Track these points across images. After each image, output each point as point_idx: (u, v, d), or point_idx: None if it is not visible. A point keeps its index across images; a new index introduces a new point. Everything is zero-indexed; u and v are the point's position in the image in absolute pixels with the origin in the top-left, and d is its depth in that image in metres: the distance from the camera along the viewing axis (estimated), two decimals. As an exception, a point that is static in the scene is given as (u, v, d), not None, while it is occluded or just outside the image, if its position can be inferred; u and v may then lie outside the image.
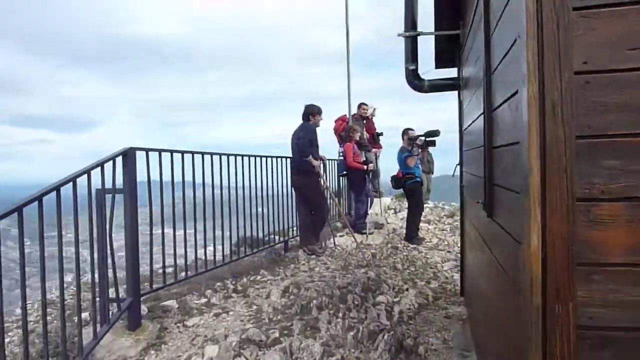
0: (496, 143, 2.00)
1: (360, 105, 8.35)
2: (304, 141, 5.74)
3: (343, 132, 7.82)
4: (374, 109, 8.81)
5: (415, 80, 4.25)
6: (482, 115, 2.24)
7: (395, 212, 10.39)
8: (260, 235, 5.71)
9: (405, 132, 7.27)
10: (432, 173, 14.51)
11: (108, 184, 3.02)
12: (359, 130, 7.48)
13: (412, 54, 4.22)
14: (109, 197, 3.03)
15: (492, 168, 2.12)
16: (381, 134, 8.96)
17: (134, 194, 3.30)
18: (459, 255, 7.05)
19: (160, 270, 4.00)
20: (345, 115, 8.23)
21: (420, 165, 7.29)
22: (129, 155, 3.27)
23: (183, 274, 4.12)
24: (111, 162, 3.08)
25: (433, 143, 7.00)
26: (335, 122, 8.16)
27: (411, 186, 7.16)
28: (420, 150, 7.09)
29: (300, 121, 6.07)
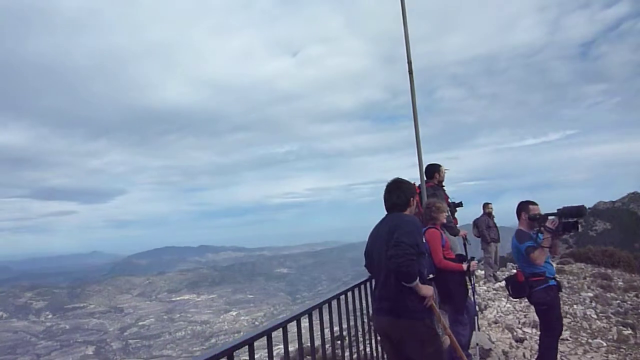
0: None
1: (436, 168, 5.69)
2: (408, 252, 2.78)
3: (417, 209, 5.24)
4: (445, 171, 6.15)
5: None
6: None
7: (481, 311, 7.49)
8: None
9: (524, 207, 4.50)
10: (499, 241, 11.63)
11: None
12: (445, 208, 4.84)
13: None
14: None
15: None
16: (460, 204, 6.17)
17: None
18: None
19: None
20: (415, 183, 5.62)
21: (552, 262, 4.52)
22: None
23: None
24: None
25: (575, 226, 4.24)
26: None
27: (542, 296, 4.34)
28: (550, 237, 4.32)
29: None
